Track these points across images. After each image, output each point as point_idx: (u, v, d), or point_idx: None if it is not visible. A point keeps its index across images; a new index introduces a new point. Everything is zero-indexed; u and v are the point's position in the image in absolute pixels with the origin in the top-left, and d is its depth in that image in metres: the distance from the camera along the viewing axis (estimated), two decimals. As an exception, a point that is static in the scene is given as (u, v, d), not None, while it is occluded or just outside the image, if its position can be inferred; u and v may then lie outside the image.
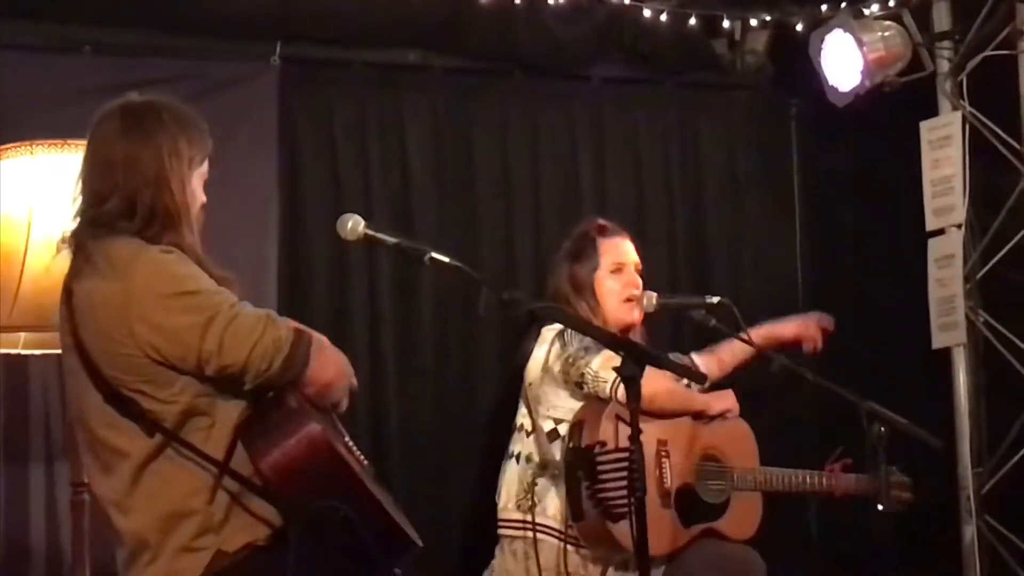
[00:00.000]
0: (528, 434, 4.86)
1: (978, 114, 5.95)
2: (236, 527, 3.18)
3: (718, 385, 5.09)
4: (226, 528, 3.17)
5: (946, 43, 6.05)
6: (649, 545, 4.41)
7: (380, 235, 3.51)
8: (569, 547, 4.66)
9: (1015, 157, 5.85)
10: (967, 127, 5.95)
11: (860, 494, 4.96)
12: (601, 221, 5.14)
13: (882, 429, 4.60)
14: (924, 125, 6.09)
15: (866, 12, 5.98)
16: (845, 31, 5.88)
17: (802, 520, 6.34)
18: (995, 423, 6.00)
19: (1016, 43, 5.82)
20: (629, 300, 4.97)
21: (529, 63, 6.06)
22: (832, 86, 5.97)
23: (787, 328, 5.33)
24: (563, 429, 4.75)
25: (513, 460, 4.88)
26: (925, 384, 6.05)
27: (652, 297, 4.95)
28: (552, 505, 4.72)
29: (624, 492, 4.18)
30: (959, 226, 5.97)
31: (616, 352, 3.66)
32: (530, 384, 4.87)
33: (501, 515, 4.87)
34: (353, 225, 3.49)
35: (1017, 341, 5.86)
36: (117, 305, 3.14)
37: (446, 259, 3.49)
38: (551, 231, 5.95)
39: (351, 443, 3.35)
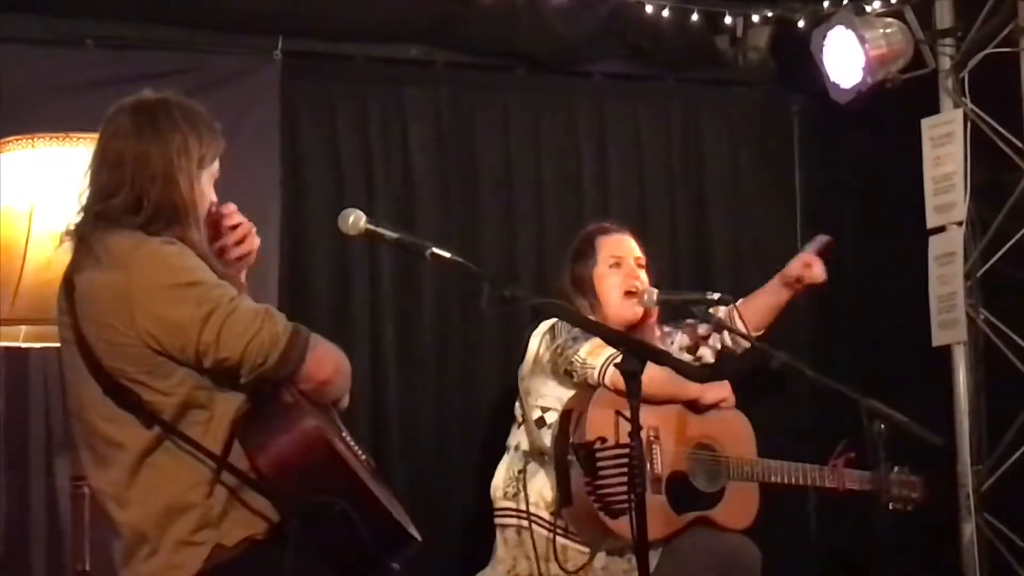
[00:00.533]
0: (519, 425, 4.89)
1: (980, 111, 5.96)
2: (235, 521, 3.18)
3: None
4: (225, 522, 3.17)
5: (948, 40, 6.05)
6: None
7: (381, 230, 3.51)
8: (559, 538, 4.67)
9: (1016, 155, 5.86)
10: (968, 124, 5.96)
11: (865, 490, 4.95)
12: (604, 223, 5.16)
13: (882, 426, 4.61)
14: (926, 122, 6.09)
15: (868, 9, 5.98)
16: (847, 28, 5.88)
17: (801, 514, 6.34)
18: (995, 421, 6.00)
19: (1018, 40, 5.82)
20: (629, 293, 4.97)
21: (531, 58, 6.06)
22: (834, 83, 5.96)
23: (791, 270, 5.23)
24: (550, 417, 4.78)
25: (507, 451, 4.91)
26: (925, 381, 6.04)
27: (653, 293, 4.96)
28: (536, 492, 4.74)
29: (623, 488, 4.21)
30: (960, 223, 5.98)
31: (616, 347, 3.66)
32: (522, 377, 4.90)
33: (494, 504, 4.90)
34: (355, 220, 3.48)
35: (1017, 339, 5.86)
36: (119, 295, 3.15)
37: (447, 255, 3.48)
38: (553, 227, 5.96)
39: (350, 439, 3.35)
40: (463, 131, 5.97)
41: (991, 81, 5.93)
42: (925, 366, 6.09)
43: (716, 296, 4.89)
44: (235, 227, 3.43)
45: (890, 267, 6.25)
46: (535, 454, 4.78)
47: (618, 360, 3.49)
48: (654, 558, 4.67)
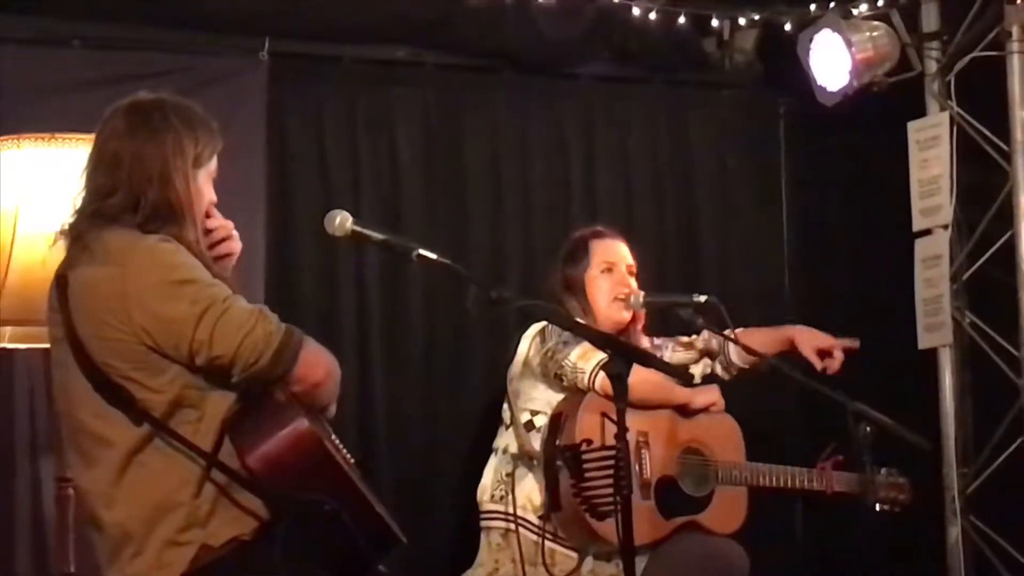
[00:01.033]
0: (507, 427, 4.89)
1: (966, 115, 5.97)
2: (222, 521, 3.18)
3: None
4: (212, 522, 3.17)
5: (934, 43, 6.06)
6: (628, 535, 4.47)
7: (368, 231, 3.51)
8: (547, 542, 4.67)
9: (1002, 158, 5.86)
10: (955, 128, 5.96)
11: (852, 493, 4.96)
12: (598, 227, 5.16)
13: (868, 429, 4.61)
14: (912, 125, 6.10)
15: (854, 12, 5.98)
16: (833, 31, 5.88)
17: (787, 517, 6.35)
18: (981, 424, 6.01)
19: (1004, 44, 5.82)
20: (619, 299, 4.98)
21: (519, 60, 6.06)
22: (820, 86, 5.96)
23: (804, 348, 5.07)
24: (539, 421, 4.78)
25: (494, 453, 4.91)
26: (911, 385, 6.05)
27: (639, 296, 4.97)
28: (524, 495, 4.73)
29: (609, 490, 4.21)
30: (946, 226, 5.99)
31: (603, 350, 3.67)
32: (510, 379, 4.90)
33: (480, 507, 4.89)
34: (341, 221, 3.49)
35: (1003, 342, 5.87)
36: (114, 291, 3.15)
37: (434, 256, 3.48)
38: (540, 228, 5.97)
39: (338, 443, 3.35)
40: (450, 133, 5.97)
41: (977, 84, 5.95)
42: (911, 369, 6.10)
43: (703, 299, 4.89)
44: (213, 229, 3.43)
45: (876, 270, 6.26)
46: (524, 457, 4.77)
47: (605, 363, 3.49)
48: (642, 562, 4.67)
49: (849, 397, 4.59)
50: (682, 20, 6.14)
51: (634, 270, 5.06)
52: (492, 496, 4.82)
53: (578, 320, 4.64)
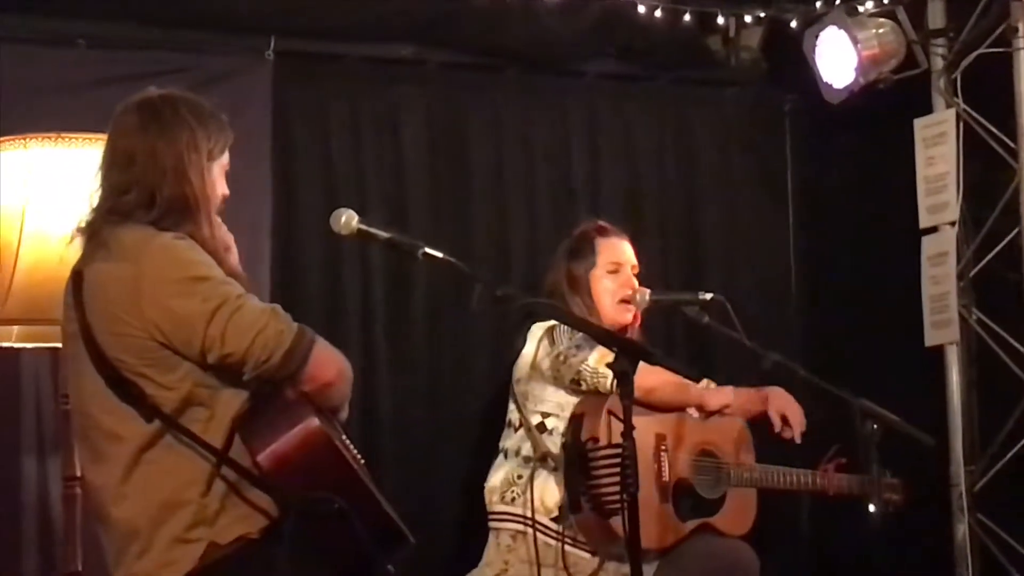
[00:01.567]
0: (516, 429, 4.87)
1: (972, 111, 5.96)
2: (230, 519, 3.18)
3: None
4: (220, 520, 3.18)
5: (940, 40, 6.05)
6: (647, 539, 4.47)
7: (373, 230, 3.51)
8: (567, 546, 4.66)
9: (1009, 155, 5.86)
10: (961, 124, 5.96)
11: (852, 494, 4.96)
12: (602, 223, 5.15)
13: (875, 427, 4.61)
14: (918, 122, 6.09)
15: (860, 9, 5.97)
16: (839, 28, 5.87)
17: (794, 517, 6.34)
18: (987, 421, 6.00)
19: (1010, 40, 5.81)
20: (624, 301, 4.98)
21: (523, 58, 6.06)
22: (826, 83, 5.96)
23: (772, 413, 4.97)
24: (550, 423, 4.76)
25: (503, 455, 4.89)
26: (918, 382, 6.04)
27: (645, 294, 4.96)
28: (539, 498, 4.72)
29: (616, 489, 4.21)
30: (953, 224, 5.98)
31: (609, 348, 3.67)
32: (518, 380, 4.88)
33: (488, 508, 4.88)
34: (347, 220, 3.49)
35: (1010, 339, 5.86)
36: (128, 287, 3.16)
37: (439, 254, 3.49)
38: (545, 227, 5.96)
39: (348, 442, 3.35)
40: (455, 131, 5.97)
41: (983, 81, 5.94)
42: (918, 366, 6.09)
43: (708, 296, 4.89)
44: None
45: (882, 267, 6.25)
46: (540, 460, 4.75)
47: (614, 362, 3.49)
48: (655, 565, 4.67)
49: (855, 394, 4.59)
50: (687, 18, 6.13)
51: (637, 270, 5.05)
52: (503, 497, 4.80)
53: (583, 318, 4.64)
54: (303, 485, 3.11)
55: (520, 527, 4.73)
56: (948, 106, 6.03)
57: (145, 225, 3.23)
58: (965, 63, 5.97)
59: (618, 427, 3.74)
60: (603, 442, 4.52)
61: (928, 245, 6.05)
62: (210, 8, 5.39)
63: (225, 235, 3.42)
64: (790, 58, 6.13)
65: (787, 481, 4.96)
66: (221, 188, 3.39)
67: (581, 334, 4.62)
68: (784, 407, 4.89)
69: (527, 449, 4.79)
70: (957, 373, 6.01)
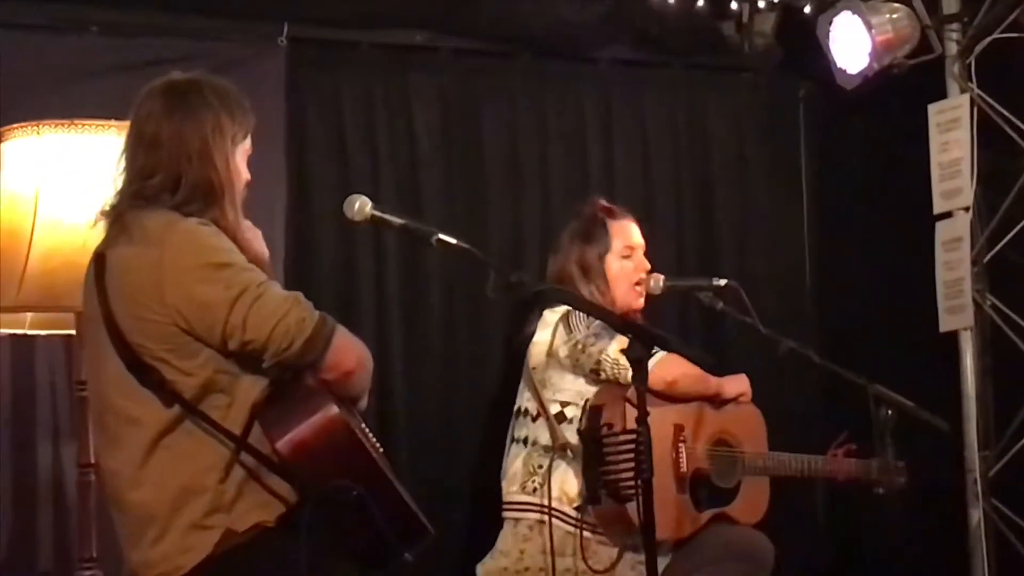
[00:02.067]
0: (534, 419, 4.85)
1: (986, 97, 5.94)
2: (247, 506, 3.19)
3: None
4: (237, 507, 3.18)
5: (955, 25, 6.03)
6: (665, 529, 4.47)
7: (387, 216, 3.52)
8: (586, 533, 4.65)
9: (1023, 140, 5.84)
10: (975, 110, 5.94)
11: (860, 478, 4.96)
12: (605, 203, 5.12)
13: (889, 412, 4.61)
14: (932, 108, 6.08)
15: (875, -6, 5.96)
16: (853, 13, 5.85)
17: (809, 503, 6.34)
18: (1002, 406, 5.99)
19: (1024, 25, 5.80)
20: (638, 283, 4.97)
21: (537, 45, 6.04)
22: (840, 68, 5.94)
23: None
24: (570, 412, 4.75)
25: (519, 444, 4.87)
26: (932, 367, 6.03)
27: (659, 279, 4.95)
28: (559, 487, 4.71)
29: (631, 474, 4.21)
30: (967, 209, 5.96)
31: (624, 334, 3.66)
32: (534, 368, 4.85)
33: (505, 498, 4.86)
34: (360, 206, 3.49)
35: (1024, 324, 5.86)
36: (150, 271, 3.17)
37: (453, 241, 3.49)
38: (558, 213, 5.94)
39: (367, 431, 3.36)
40: (468, 117, 5.96)
41: (998, 66, 5.92)
42: (932, 352, 6.08)
43: (723, 282, 4.89)
44: None
45: (896, 253, 6.24)
46: (558, 449, 4.74)
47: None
48: (670, 557, 4.67)
49: (869, 380, 4.59)
50: (701, 3, 6.10)
51: (645, 250, 5.04)
52: (523, 487, 4.78)
53: (598, 304, 4.62)
54: (322, 473, 3.11)
55: (541, 517, 4.71)
56: (962, 91, 6.01)
57: (169, 210, 3.24)
58: (979, 48, 5.96)
59: (631, 413, 3.74)
60: (617, 427, 4.52)
61: (942, 231, 6.03)
62: (224, -6, 5.40)
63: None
64: (804, 44, 6.11)
65: (798, 468, 4.95)
66: (244, 173, 3.40)
67: (598, 322, 4.60)
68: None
69: (546, 439, 4.78)
70: (971, 359, 6.00)
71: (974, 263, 5.96)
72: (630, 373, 4.48)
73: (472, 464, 5.61)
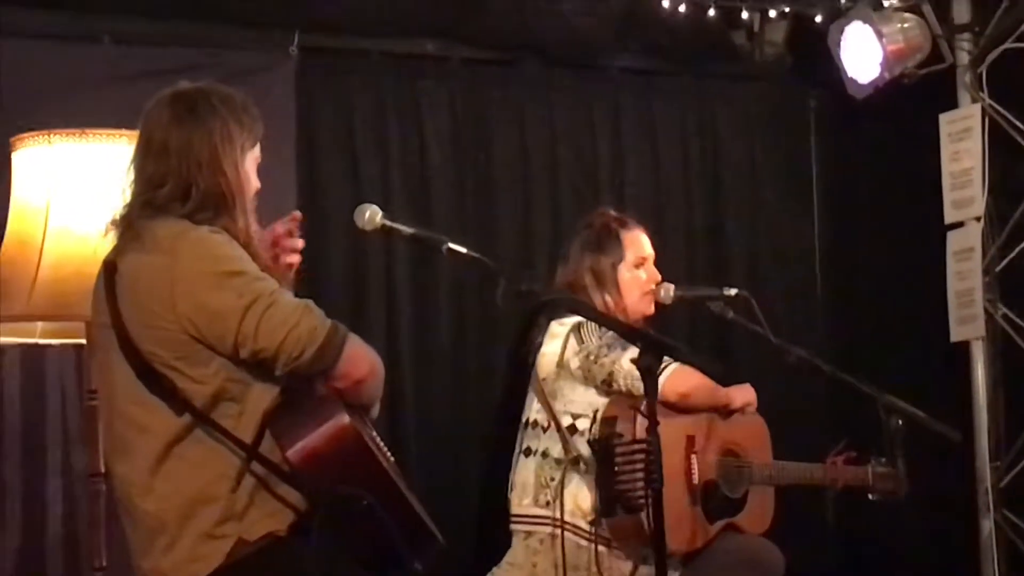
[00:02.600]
0: (544, 429, 4.83)
1: (997, 106, 5.93)
2: (259, 515, 3.18)
3: None
4: (248, 516, 3.17)
5: (966, 35, 6.03)
6: (678, 541, 4.45)
7: (397, 225, 3.52)
8: (600, 547, 4.64)
9: (1035, 150, 5.84)
10: (987, 119, 5.93)
11: (856, 486, 4.94)
12: (615, 212, 5.11)
13: (899, 422, 4.60)
14: (944, 117, 6.07)
15: (885, 4, 5.95)
16: (864, 22, 5.85)
17: (818, 512, 6.32)
18: (1013, 417, 5.98)
19: (1036, 36, 5.80)
20: (649, 293, 4.96)
21: (547, 53, 6.06)
22: (851, 78, 5.94)
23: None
24: (581, 424, 4.72)
25: (530, 456, 4.85)
26: (943, 377, 6.02)
27: (670, 289, 4.94)
28: (572, 500, 4.70)
29: (641, 484, 4.20)
30: (978, 219, 5.96)
31: (635, 344, 3.65)
32: (544, 379, 4.82)
33: (515, 511, 4.83)
34: (371, 215, 3.50)
35: (1035, 335, 5.84)
36: (161, 279, 3.16)
37: (463, 250, 3.49)
38: (568, 221, 5.92)
39: (379, 440, 3.35)
40: (479, 126, 5.98)
41: (1009, 76, 5.91)
42: (943, 362, 6.07)
43: (733, 292, 4.87)
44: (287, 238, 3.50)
45: (907, 263, 6.23)
46: (572, 462, 4.72)
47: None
48: (680, 570, 4.66)
49: (880, 390, 4.58)
50: (712, 12, 6.11)
51: (654, 259, 5.04)
52: (536, 500, 4.76)
53: (610, 314, 4.62)
54: (332, 482, 3.10)
55: (554, 530, 4.69)
56: (973, 101, 6.01)
57: (180, 218, 3.23)
58: (990, 58, 5.95)
59: (641, 423, 3.73)
60: (627, 437, 4.51)
61: (953, 240, 6.02)
62: (234, 4, 5.40)
63: (294, 258, 3.45)
64: (815, 53, 6.11)
65: (800, 476, 4.94)
66: (254, 181, 3.40)
67: (610, 332, 4.59)
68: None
69: (557, 450, 4.75)
70: (982, 369, 5.99)
71: (985, 273, 5.95)
72: (643, 384, 4.52)
73: (480, 473, 5.60)
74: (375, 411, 3.40)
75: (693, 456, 4.67)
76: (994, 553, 5.88)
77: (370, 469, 3.18)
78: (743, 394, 4.88)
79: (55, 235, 4.04)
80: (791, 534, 4.96)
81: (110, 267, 3.29)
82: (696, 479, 4.67)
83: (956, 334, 6.01)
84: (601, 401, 4.70)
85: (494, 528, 4.90)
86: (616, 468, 4.47)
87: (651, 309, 4.94)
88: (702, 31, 6.19)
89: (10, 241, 4.10)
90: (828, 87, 6.25)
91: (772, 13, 6.31)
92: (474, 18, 5.85)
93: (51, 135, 4.17)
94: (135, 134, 3.43)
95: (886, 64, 5.83)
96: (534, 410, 4.85)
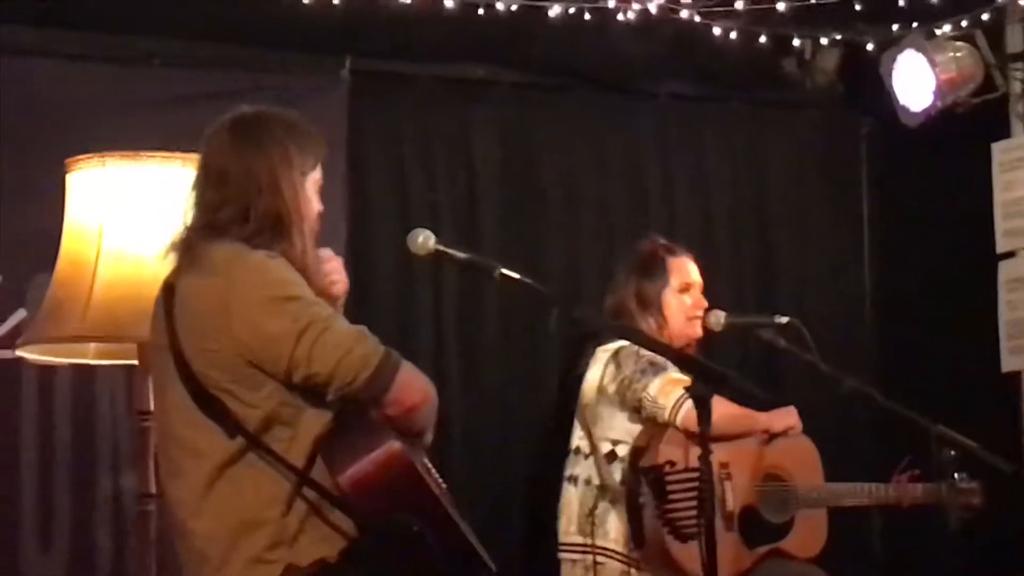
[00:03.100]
0: (586, 456, 4.84)
1: (1051, 136, 5.91)
2: (309, 541, 3.17)
3: None
4: (299, 541, 3.17)
5: (1019, 64, 6.01)
6: (713, 568, 4.42)
7: (450, 251, 3.53)
8: (633, 571, 4.63)
9: (1087, 180, 5.81)
10: (1040, 149, 5.91)
11: (928, 503, 4.90)
12: (664, 241, 5.12)
13: (952, 453, 4.57)
14: (996, 147, 6.05)
15: (938, 32, 5.93)
16: (917, 51, 5.84)
17: (865, 536, 6.29)
18: (1065, 448, 5.93)
19: (1089, 65, 5.77)
20: (695, 318, 4.96)
21: (597, 79, 6.06)
22: (903, 106, 5.93)
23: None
24: (621, 451, 4.73)
25: (574, 483, 4.85)
26: (994, 408, 5.98)
27: (720, 316, 4.93)
28: (614, 529, 4.70)
29: (693, 513, 4.18)
30: (1030, 248, 5.93)
31: (684, 371, 3.64)
32: (586, 405, 4.85)
33: (562, 539, 4.84)
34: (424, 240, 3.50)
35: (1087, 365, 5.80)
36: (217, 303, 3.17)
37: (515, 275, 3.48)
38: (617, 247, 5.92)
39: (431, 467, 3.35)
40: (527, 151, 5.98)
41: (1062, 106, 5.89)
42: (995, 392, 6.02)
43: (784, 320, 4.86)
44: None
45: (959, 292, 6.19)
46: (605, 490, 4.72)
47: (687, 401, 3.46)
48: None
49: (932, 420, 4.55)
50: (763, 40, 6.10)
51: (702, 288, 5.04)
52: (581, 529, 4.77)
53: (658, 340, 4.62)
54: (383, 508, 3.10)
55: (599, 559, 4.69)
56: (1026, 130, 5.98)
57: (238, 242, 3.24)
58: (1044, 87, 5.93)
59: (693, 451, 3.69)
60: (680, 466, 4.49)
61: (1005, 270, 6.00)
62: (286, 28, 5.41)
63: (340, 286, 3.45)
64: (866, 81, 6.10)
65: (858, 496, 4.91)
66: (316, 204, 3.40)
67: (646, 359, 4.62)
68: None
69: (597, 478, 4.77)
70: (1034, 400, 5.95)
71: (1037, 303, 5.92)
72: (667, 413, 4.55)
73: (529, 498, 5.59)
74: (428, 438, 3.39)
75: (727, 482, 4.66)
76: (1044, 585, 5.83)
77: (421, 496, 3.18)
78: (784, 418, 4.86)
79: (108, 256, 4.06)
80: (836, 561, 4.94)
81: (168, 289, 3.30)
82: (731, 505, 4.66)
83: (1007, 364, 5.98)
84: (638, 428, 4.71)
85: (543, 556, 4.90)
86: (670, 497, 4.46)
87: (698, 332, 4.94)
88: (753, 58, 6.18)
89: (64, 262, 4.12)
90: (879, 116, 6.24)
91: (824, 41, 6.29)
92: (524, 43, 5.85)
93: (105, 157, 4.18)
94: (189, 156, 3.46)
95: (938, 93, 5.81)
96: (578, 436, 4.87)
